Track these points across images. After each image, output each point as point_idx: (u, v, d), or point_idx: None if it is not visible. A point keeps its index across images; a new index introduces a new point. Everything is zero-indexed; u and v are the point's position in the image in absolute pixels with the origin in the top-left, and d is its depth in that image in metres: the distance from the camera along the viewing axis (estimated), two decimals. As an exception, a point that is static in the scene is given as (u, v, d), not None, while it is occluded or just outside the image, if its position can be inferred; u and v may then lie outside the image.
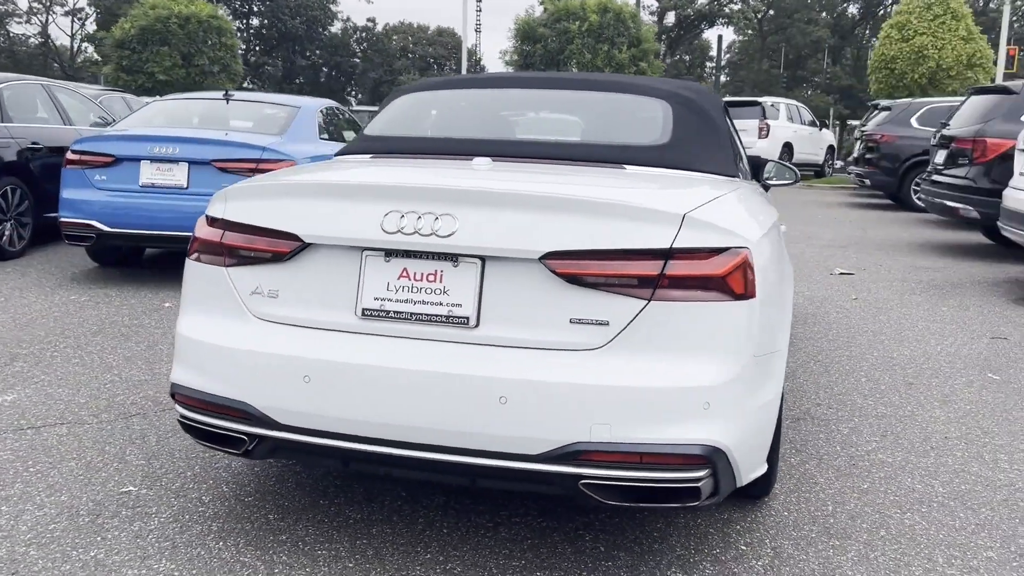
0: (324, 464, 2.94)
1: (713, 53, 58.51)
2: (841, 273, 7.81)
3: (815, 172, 21.56)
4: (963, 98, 10.58)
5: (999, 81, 20.61)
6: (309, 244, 2.38)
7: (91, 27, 53.54)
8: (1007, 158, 7.95)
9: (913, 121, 13.85)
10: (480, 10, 51.82)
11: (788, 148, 19.82)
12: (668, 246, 2.19)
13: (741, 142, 4.03)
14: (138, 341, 4.87)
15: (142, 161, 6.18)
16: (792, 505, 2.96)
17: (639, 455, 2.16)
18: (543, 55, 24.48)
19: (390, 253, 2.32)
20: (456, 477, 2.35)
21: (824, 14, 55.39)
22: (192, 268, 2.61)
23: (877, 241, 10.16)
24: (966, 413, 4.01)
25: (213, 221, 2.56)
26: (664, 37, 49.74)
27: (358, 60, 66.26)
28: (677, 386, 2.17)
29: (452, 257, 2.28)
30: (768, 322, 2.39)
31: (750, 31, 58.70)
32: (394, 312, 2.30)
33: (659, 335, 2.19)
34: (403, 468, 2.36)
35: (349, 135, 8.31)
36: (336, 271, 2.36)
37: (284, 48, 58.83)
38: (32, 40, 55.17)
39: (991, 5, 46.42)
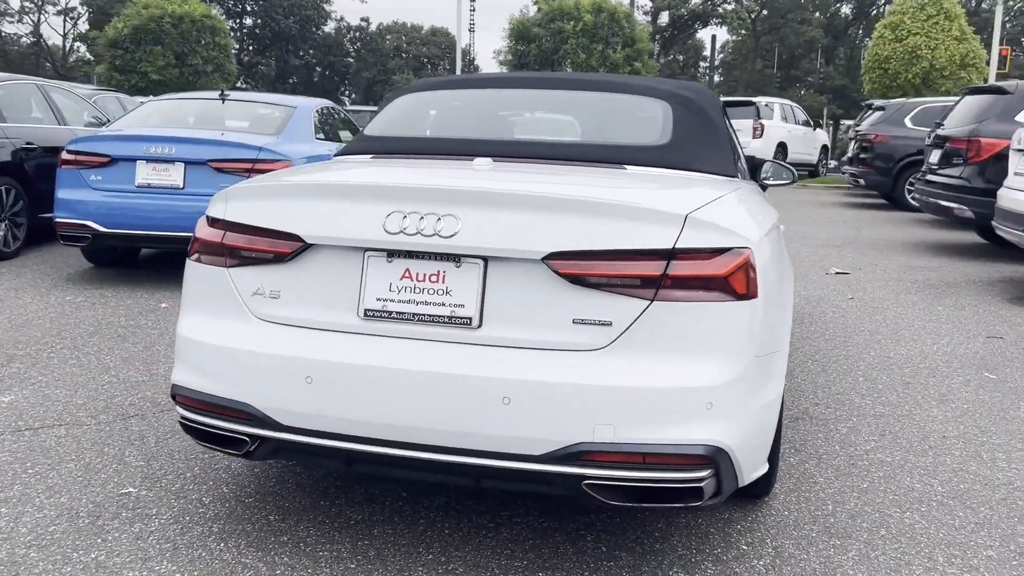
0: (326, 465, 2.94)
1: (707, 53, 58.66)
2: (837, 273, 7.84)
3: (809, 172, 21.61)
4: (957, 98, 10.62)
5: (992, 81, 20.70)
6: (311, 245, 2.37)
7: (83, 26, 53.41)
8: (1001, 158, 7.99)
9: (907, 121, 13.89)
10: (474, 10, 51.71)
11: (782, 148, 19.87)
12: (671, 246, 2.19)
13: (739, 142, 4.03)
14: (135, 342, 4.85)
15: (138, 161, 6.16)
16: (792, 504, 2.97)
17: (642, 455, 2.17)
18: (537, 55, 24.49)
19: (392, 254, 2.32)
20: (459, 478, 2.35)
21: (817, 14, 55.55)
22: (192, 269, 2.61)
23: (872, 241, 10.19)
24: (963, 412, 4.02)
25: (214, 222, 2.55)
26: (658, 37, 49.81)
27: (352, 60, 66.19)
28: (680, 386, 2.17)
29: (455, 258, 2.28)
30: (770, 322, 2.39)
31: (744, 31, 58.83)
32: (396, 313, 2.30)
33: (662, 335, 2.19)
34: (406, 469, 2.36)
35: (345, 135, 8.31)
36: (338, 272, 2.36)
37: (277, 48, 58.73)
38: (24, 39, 55.00)
39: (983, 5, 46.59)
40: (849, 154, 16.16)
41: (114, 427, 3.53)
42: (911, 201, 13.29)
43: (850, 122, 31.91)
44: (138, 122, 7.08)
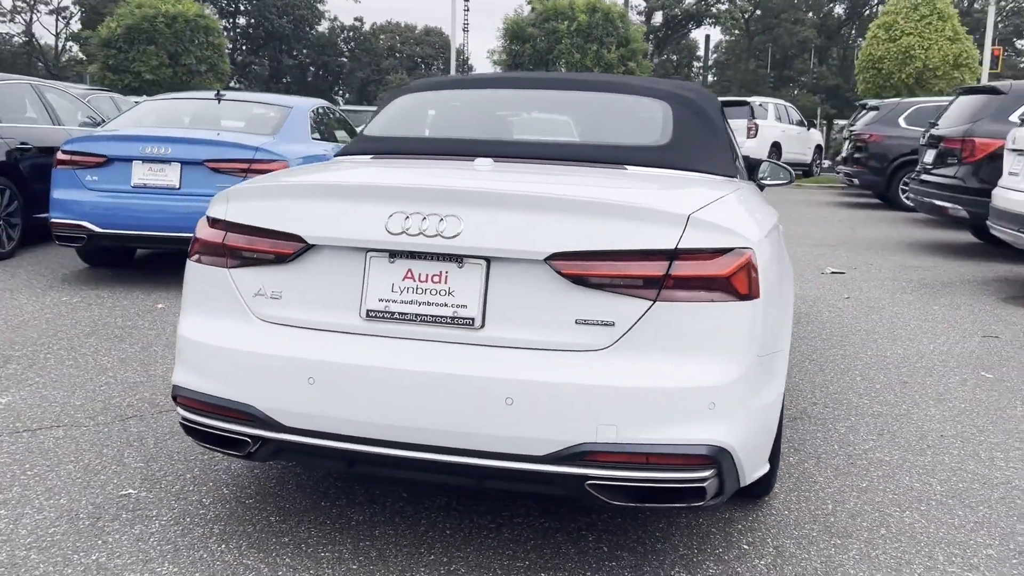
0: (328, 466, 2.93)
1: (700, 53, 58.78)
2: (832, 272, 7.86)
3: (803, 171, 21.67)
4: (951, 98, 10.66)
5: (984, 81, 20.78)
6: (313, 245, 2.37)
7: (76, 26, 53.22)
8: (996, 157, 8.02)
9: (901, 121, 13.94)
10: (468, 9, 51.71)
11: (776, 148, 19.91)
12: (673, 247, 2.19)
13: (736, 142, 4.04)
14: (132, 343, 4.84)
15: (134, 161, 6.14)
16: (792, 504, 2.98)
17: (645, 455, 2.17)
18: (532, 55, 24.48)
19: (395, 254, 2.32)
20: (462, 478, 2.35)
21: (810, 14, 55.66)
22: (193, 269, 2.60)
23: (867, 240, 10.22)
24: (961, 411, 4.04)
25: (215, 222, 2.55)
26: (652, 37, 49.86)
27: (345, 59, 66.12)
28: (682, 386, 2.18)
29: (457, 258, 2.28)
30: (771, 322, 2.40)
31: (737, 31, 58.92)
32: (399, 313, 2.30)
33: (664, 336, 2.19)
34: (409, 470, 2.36)
35: (341, 135, 8.30)
36: (340, 272, 2.36)
37: (271, 47, 58.62)
38: (16, 39, 54.78)
39: (976, 5, 46.77)
40: (843, 154, 16.21)
41: (112, 428, 3.52)
42: (905, 201, 13.32)
43: (843, 122, 31.99)
44: (134, 122, 7.06)
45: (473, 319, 2.26)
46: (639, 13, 52.34)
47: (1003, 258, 8.86)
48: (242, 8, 57.68)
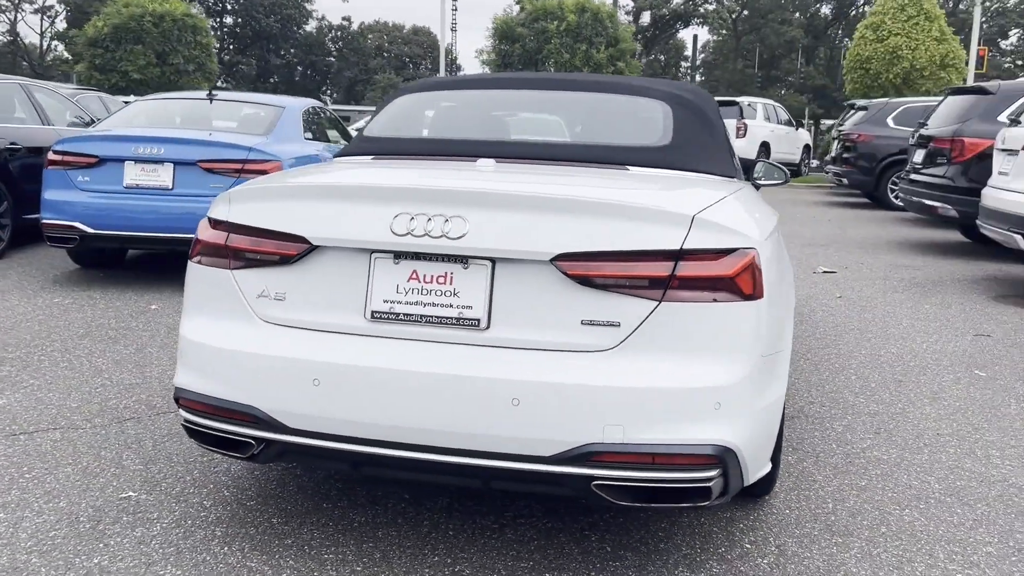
0: (332, 468, 2.92)
1: (688, 53, 58.90)
2: (824, 271, 7.90)
3: (792, 171, 21.75)
4: (940, 98, 10.73)
5: (971, 81, 20.94)
6: (317, 247, 2.36)
7: (61, 25, 52.86)
8: (984, 157, 8.09)
9: (889, 121, 14.03)
10: (456, 9, 51.69)
11: (765, 147, 19.97)
12: (679, 247, 2.20)
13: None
14: (126, 344, 4.81)
15: (126, 162, 6.10)
16: (793, 503, 2.99)
17: (651, 456, 2.17)
18: (521, 55, 24.49)
19: (400, 255, 2.32)
20: (468, 480, 2.35)
21: (797, 14, 55.90)
22: (195, 271, 2.58)
23: (857, 239, 10.27)
24: (956, 410, 4.07)
25: (217, 223, 2.54)
26: (640, 37, 49.92)
27: (333, 59, 65.94)
28: (688, 387, 2.18)
29: (462, 259, 2.28)
30: (774, 322, 2.41)
31: (724, 31, 59.12)
32: (404, 314, 2.30)
33: (670, 336, 2.20)
34: (414, 471, 2.35)
35: (332, 135, 8.28)
36: (344, 273, 2.35)
37: (258, 47, 58.40)
38: (0, 38, 54.35)
39: (961, 6, 47.09)
40: (832, 154, 16.29)
41: (110, 430, 3.50)
42: (894, 200, 13.43)
43: (830, 122, 32.15)
44: (125, 122, 7.01)
45: (479, 320, 2.26)
46: (627, 13, 52.45)
47: (992, 257, 8.92)
48: (229, 7, 57.43)
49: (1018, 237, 6.55)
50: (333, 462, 2.48)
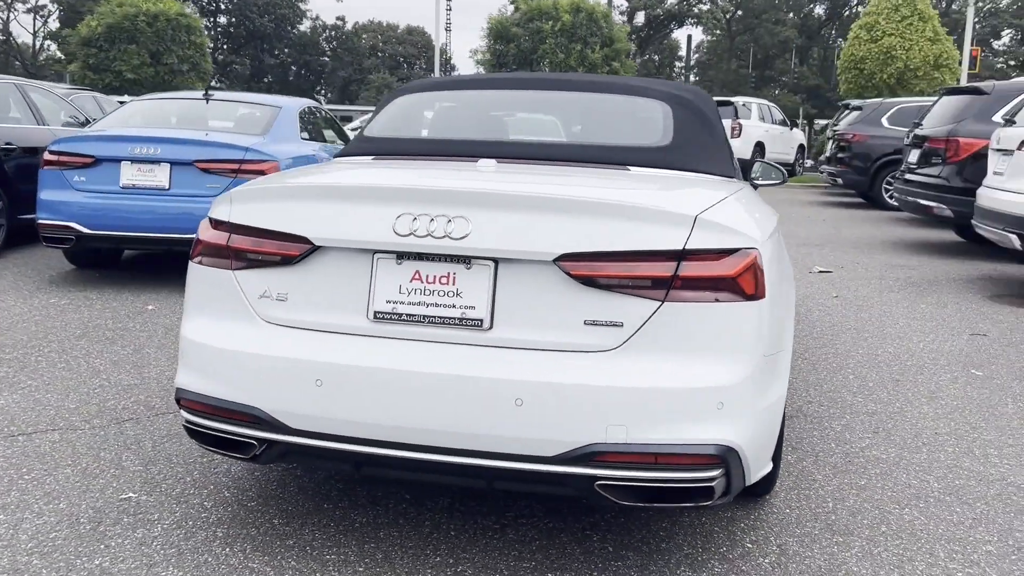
0: (335, 468, 2.92)
1: (682, 53, 59.01)
2: (820, 271, 7.91)
3: (787, 171, 21.79)
4: (934, 98, 10.76)
5: (964, 81, 21.02)
6: (319, 247, 2.36)
7: (53, 24, 52.69)
8: (979, 157, 8.12)
9: (884, 121, 14.07)
10: (450, 9, 51.71)
11: (760, 147, 20.02)
12: (681, 247, 2.20)
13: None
14: (124, 345, 4.80)
15: (123, 162, 6.09)
16: (793, 502, 3.00)
17: (654, 456, 2.18)
18: (516, 55, 24.49)
19: (402, 255, 2.31)
20: (471, 480, 2.35)
21: (791, 15, 56.02)
22: (196, 271, 2.58)
23: (852, 239, 10.30)
24: (953, 409, 4.08)
25: (218, 224, 2.53)
26: (634, 37, 49.98)
27: (327, 59, 65.86)
28: (691, 387, 2.19)
29: (465, 259, 2.28)
30: (776, 321, 2.41)
31: (718, 31, 59.22)
32: (407, 315, 2.30)
33: (673, 336, 2.20)
34: (417, 472, 2.35)
35: (329, 134, 8.27)
36: (347, 274, 2.35)
37: (252, 46, 58.31)
38: (-7, 38, 54.14)
39: (954, 7, 47.23)
40: (827, 153, 16.33)
41: (109, 431, 3.49)
42: (888, 200, 13.46)
43: (824, 121, 32.22)
44: (121, 122, 7.00)
45: (481, 320, 2.26)
46: (621, 13, 52.50)
47: (986, 256, 8.96)
48: (223, 7, 57.33)
49: (1013, 236, 6.58)
50: (335, 463, 2.48)
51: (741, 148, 18.21)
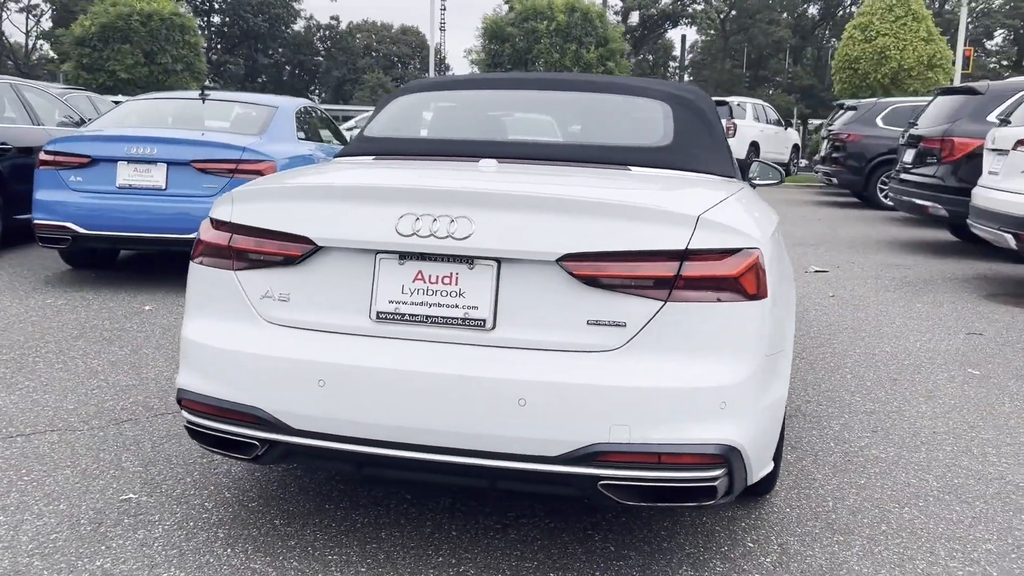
0: (337, 468, 2.91)
1: (676, 53, 59.03)
2: (816, 271, 7.93)
3: (781, 170, 21.82)
4: (929, 98, 10.80)
5: (958, 81, 21.08)
6: (321, 247, 2.36)
7: (46, 24, 52.51)
8: (974, 157, 8.15)
9: (879, 121, 14.12)
10: (444, 9, 51.62)
11: (755, 147, 20.06)
12: (684, 247, 2.21)
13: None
14: (121, 345, 4.79)
15: (119, 162, 6.07)
16: (794, 502, 3.00)
17: (658, 455, 2.18)
18: (511, 54, 24.48)
19: (405, 256, 2.31)
20: (474, 480, 2.35)
21: (785, 15, 56.12)
22: (197, 272, 2.57)
23: (847, 239, 10.33)
24: (951, 408, 4.10)
25: (219, 224, 2.53)
26: (628, 37, 50.00)
27: (321, 58, 65.76)
28: (694, 386, 2.19)
29: (468, 259, 2.28)
30: (777, 321, 2.42)
31: (713, 31, 59.29)
32: (409, 315, 2.30)
33: (675, 336, 2.20)
34: (420, 471, 2.35)
35: (325, 134, 8.26)
36: (349, 274, 2.35)
37: (246, 46, 58.19)
38: (-15, 37, 53.89)
39: (946, 7, 47.38)
40: (822, 153, 16.37)
41: (108, 432, 3.48)
42: (883, 199, 13.51)
43: (818, 121, 32.29)
44: (117, 122, 6.98)
45: (484, 320, 2.26)
46: (616, 13, 52.49)
47: (981, 256, 8.99)
48: (216, 6, 57.20)
49: (1008, 236, 6.60)
50: (338, 463, 2.48)
51: (736, 148, 18.22)
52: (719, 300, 2.22)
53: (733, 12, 56.47)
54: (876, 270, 8.08)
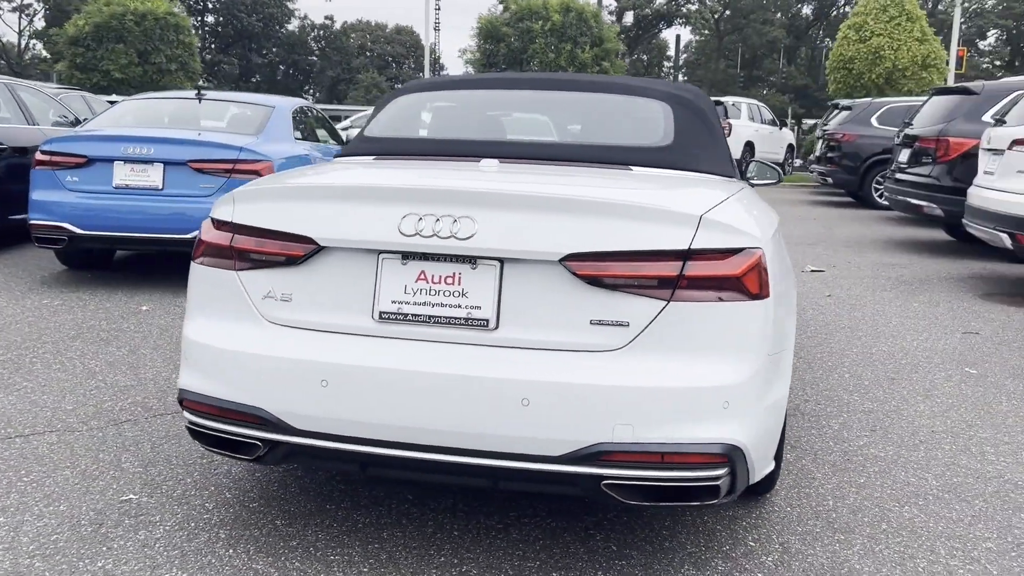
0: (339, 469, 2.91)
1: (671, 53, 59.10)
2: (812, 270, 7.95)
3: (776, 170, 21.85)
4: (923, 98, 10.83)
5: (952, 81, 21.15)
6: (323, 247, 2.36)
7: (39, 24, 52.34)
8: (969, 156, 8.18)
9: (873, 120, 14.15)
10: (439, 8, 51.65)
11: (750, 147, 20.09)
12: (687, 247, 2.21)
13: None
14: (119, 345, 4.77)
15: (115, 162, 6.05)
16: (794, 501, 3.01)
17: (661, 455, 2.18)
18: (506, 54, 24.47)
19: (407, 256, 2.31)
20: (477, 480, 2.35)
21: (779, 15, 56.23)
22: (199, 272, 2.57)
23: (843, 238, 10.35)
24: (949, 407, 4.11)
25: (221, 224, 2.52)
26: (623, 37, 50.05)
27: (316, 58, 65.67)
28: (697, 386, 2.20)
29: (471, 259, 2.28)
30: (779, 321, 2.43)
31: (707, 31, 59.37)
32: (412, 315, 2.30)
33: (678, 335, 2.21)
34: (423, 472, 2.35)
35: (321, 134, 8.25)
36: (352, 274, 2.35)
37: (240, 46, 58.08)
38: (-22, 37, 53.69)
39: (940, 7, 47.51)
40: (817, 153, 16.41)
41: (107, 433, 3.48)
42: (878, 199, 13.54)
43: (813, 121, 32.37)
44: (113, 122, 6.96)
45: (487, 320, 2.26)
46: (610, 13, 52.51)
47: (977, 255, 9.01)
48: (211, 6, 57.08)
49: (1004, 236, 6.62)
50: (341, 463, 2.47)
51: (732, 148, 18.18)
52: (722, 300, 2.22)
53: (727, 12, 56.55)
54: (872, 270, 8.10)
